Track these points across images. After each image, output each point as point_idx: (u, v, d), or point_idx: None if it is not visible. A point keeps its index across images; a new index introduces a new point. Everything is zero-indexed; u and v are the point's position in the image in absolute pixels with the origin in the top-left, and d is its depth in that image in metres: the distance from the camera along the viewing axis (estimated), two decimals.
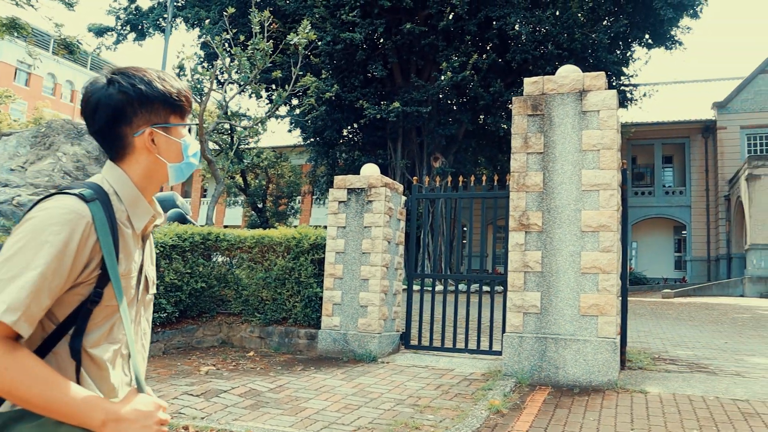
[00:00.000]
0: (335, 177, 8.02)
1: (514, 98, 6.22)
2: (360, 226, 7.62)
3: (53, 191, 1.25)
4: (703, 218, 29.98)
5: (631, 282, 27.95)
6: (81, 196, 1.22)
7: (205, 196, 39.50)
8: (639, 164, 32.52)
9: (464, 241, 29.09)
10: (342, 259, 7.68)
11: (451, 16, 19.70)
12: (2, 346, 1.11)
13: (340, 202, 7.80)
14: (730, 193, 28.59)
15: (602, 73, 5.98)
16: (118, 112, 1.30)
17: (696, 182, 30.37)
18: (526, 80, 6.23)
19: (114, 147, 1.34)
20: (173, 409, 4.88)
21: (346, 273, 7.64)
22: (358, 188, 7.70)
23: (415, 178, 8.17)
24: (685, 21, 21.51)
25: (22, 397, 1.12)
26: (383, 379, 6.23)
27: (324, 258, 7.88)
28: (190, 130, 1.43)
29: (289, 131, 25.34)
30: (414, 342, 7.95)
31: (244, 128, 15.20)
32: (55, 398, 1.13)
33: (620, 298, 6.47)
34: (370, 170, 7.80)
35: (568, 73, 6.11)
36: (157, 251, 7.33)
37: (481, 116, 22.74)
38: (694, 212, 30.21)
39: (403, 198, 8.31)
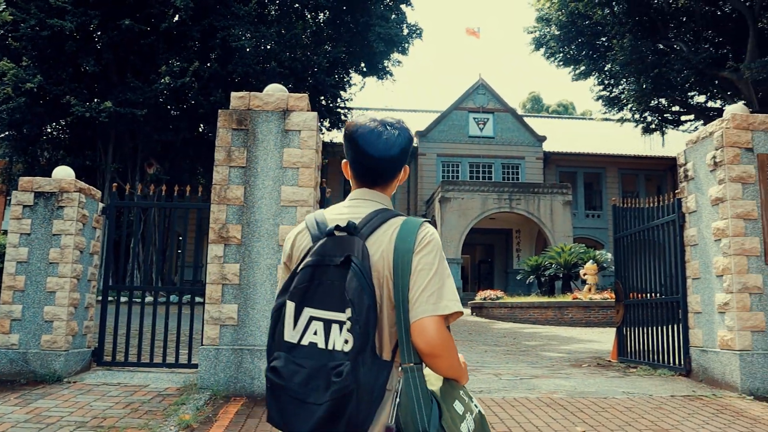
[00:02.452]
0: (20, 179, 7.17)
1: (219, 111, 6.26)
2: (48, 233, 6.90)
3: (421, 219, 1.65)
4: None
5: None
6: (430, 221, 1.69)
7: None
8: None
9: (179, 251, 27.99)
10: (25, 270, 6.87)
11: (175, 19, 19.00)
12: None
13: (25, 206, 6.97)
14: (427, 212, 32.41)
15: (305, 95, 6.35)
16: (408, 153, 1.74)
17: (400, 201, 33.77)
18: (233, 95, 6.33)
19: (393, 177, 1.75)
20: None
21: (29, 285, 6.85)
22: (48, 192, 6.97)
23: (115, 184, 7.69)
24: (396, 55, 23.88)
25: (456, 369, 1.57)
26: (66, 400, 5.72)
27: (2, 268, 6.95)
28: None
29: None
30: (108, 358, 7.43)
31: None
32: (460, 364, 1.61)
33: None
34: (63, 173, 7.13)
35: (274, 91, 6.36)
36: None
37: (200, 125, 22.27)
38: None
39: (101, 205, 7.75)
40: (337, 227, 1.55)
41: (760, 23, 22.09)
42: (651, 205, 8.97)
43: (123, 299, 11.08)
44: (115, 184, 7.84)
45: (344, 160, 1.79)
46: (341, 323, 1.47)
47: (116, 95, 18.70)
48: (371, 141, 1.66)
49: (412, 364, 1.48)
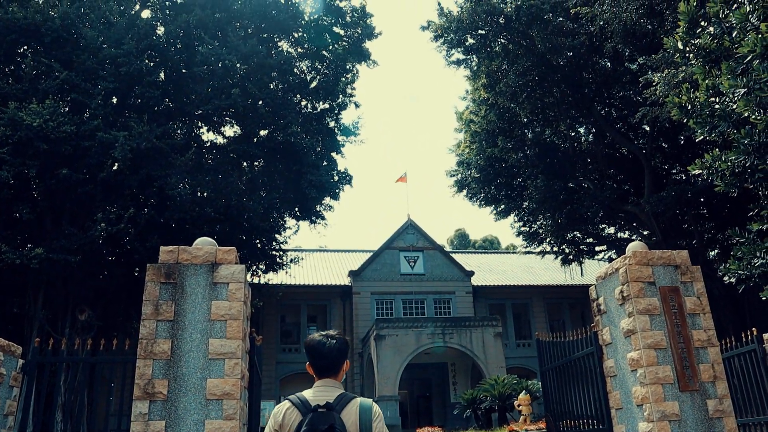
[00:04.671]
0: None
1: (148, 265, 6.39)
2: None
3: (370, 400, 2.73)
4: None
5: None
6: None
7: None
8: (287, 322, 34.64)
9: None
10: None
11: (113, 168, 19.27)
12: None
13: None
14: (363, 350, 32.04)
15: (233, 249, 6.59)
16: (346, 353, 2.82)
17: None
18: (162, 249, 6.50)
19: (340, 369, 2.83)
20: None
21: None
22: None
23: (37, 339, 7.48)
24: (328, 200, 24.75)
25: None
26: None
27: None
28: None
29: None
30: None
31: None
32: None
33: None
34: None
35: (203, 245, 6.58)
36: None
37: (136, 270, 21.94)
38: None
39: (21, 362, 7.47)
40: (318, 406, 2.57)
41: (653, 162, 24.46)
42: (572, 337, 9.38)
43: None
44: (37, 339, 7.61)
45: (307, 363, 2.86)
46: None
47: (50, 241, 18.34)
48: (320, 348, 2.77)
49: None
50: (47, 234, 19.20)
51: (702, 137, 10.64)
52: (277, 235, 24.77)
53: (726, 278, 10.54)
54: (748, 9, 8.95)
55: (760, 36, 8.35)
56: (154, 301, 6.32)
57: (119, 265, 20.79)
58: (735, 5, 9.52)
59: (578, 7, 20.54)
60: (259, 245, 23.66)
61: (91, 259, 19.60)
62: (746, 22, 9.04)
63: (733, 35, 9.50)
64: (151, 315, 6.27)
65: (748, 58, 8.55)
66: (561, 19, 22.35)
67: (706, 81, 9.99)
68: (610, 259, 27.47)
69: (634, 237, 26.67)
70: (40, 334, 18.93)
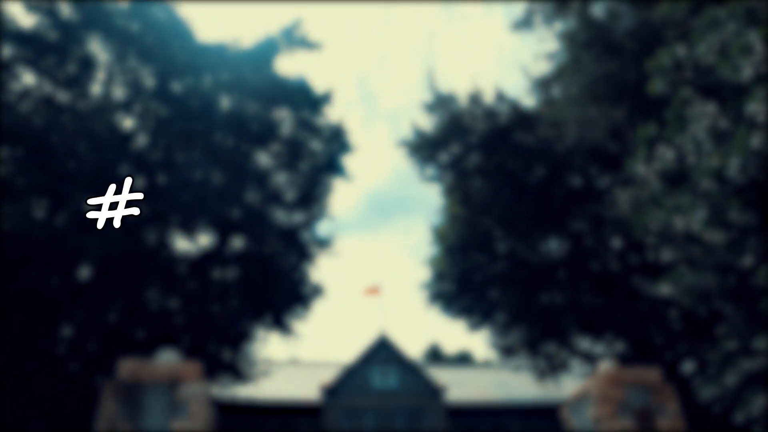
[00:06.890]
0: None
1: (106, 382, 6.15)
2: None
3: None
4: None
5: None
6: None
7: None
8: None
9: None
10: None
11: (83, 273, 18.95)
12: None
13: None
14: None
15: (198, 364, 6.39)
16: None
17: None
18: (123, 365, 6.27)
19: None
20: None
21: None
22: None
23: None
24: (300, 311, 24.46)
25: None
26: None
27: None
28: None
29: None
30: None
31: None
32: None
33: None
34: None
35: (166, 361, 6.36)
36: None
37: (98, 379, 21.08)
38: None
39: None
40: None
41: (623, 275, 24.83)
42: None
43: None
44: None
45: None
46: None
47: (9, 348, 17.57)
48: None
49: None
50: (6, 341, 18.44)
51: (667, 256, 10.92)
52: (246, 345, 24.20)
53: (701, 395, 10.46)
54: (701, 136, 9.50)
55: (713, 161, 8.81)
56: (110, 420, 6.01)
57: (80, 374, 19.92)
58: (689, 132, 10.11)
59: (546, 128, 21.61)
60: (227, 355, 23.03)
61: (51, 367, 18.80)
62: (699, 148, 9.57)
63: (689, 159, 10.01)
64: None
65: (704, 182, 8.98)
66: (530, 139, 23.42)
67: (668, 201, 10.41)
68: (585, 374, 27.17)
69: (607, 351, 26.53)
70: None
